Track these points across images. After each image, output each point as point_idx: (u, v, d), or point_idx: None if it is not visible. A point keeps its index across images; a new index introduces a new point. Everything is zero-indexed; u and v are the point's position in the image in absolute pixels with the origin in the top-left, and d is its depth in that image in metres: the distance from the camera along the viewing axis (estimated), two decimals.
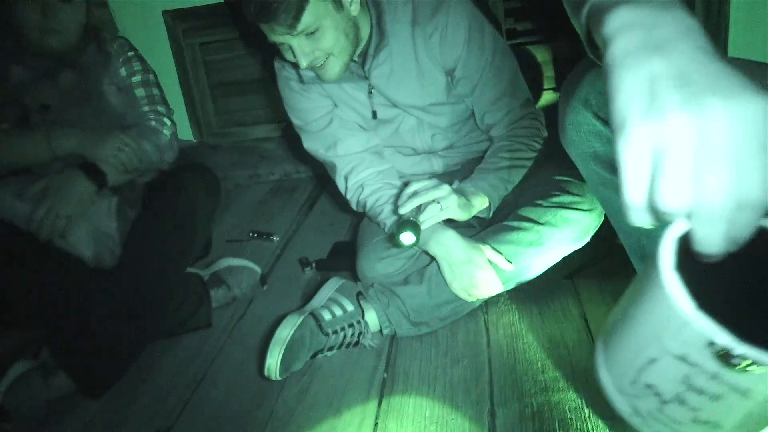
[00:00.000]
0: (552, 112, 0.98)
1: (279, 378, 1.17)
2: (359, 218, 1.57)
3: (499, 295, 1.31)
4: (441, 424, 1.04)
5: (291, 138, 2.31)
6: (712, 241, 0.42)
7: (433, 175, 1.50)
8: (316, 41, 1.20)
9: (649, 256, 0.44)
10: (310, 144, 1.49)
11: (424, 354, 1.23)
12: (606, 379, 0.48)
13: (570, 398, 1.04)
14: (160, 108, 1.60)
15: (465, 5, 1.31)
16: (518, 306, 1.34)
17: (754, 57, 0.78)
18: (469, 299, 1.26)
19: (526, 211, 1.30)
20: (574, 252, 1.31)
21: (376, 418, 1.08)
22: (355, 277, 1.40)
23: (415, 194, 1.24)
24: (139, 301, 1.29)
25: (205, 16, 2.15)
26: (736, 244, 0.42)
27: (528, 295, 1.36)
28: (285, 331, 1.18)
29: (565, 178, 1.35)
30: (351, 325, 1.24)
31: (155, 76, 1.62)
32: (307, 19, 1.16)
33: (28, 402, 1.16)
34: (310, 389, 1.18)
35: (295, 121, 1.48)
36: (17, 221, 1.30)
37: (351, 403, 1.13)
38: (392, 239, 1.33)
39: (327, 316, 1.23)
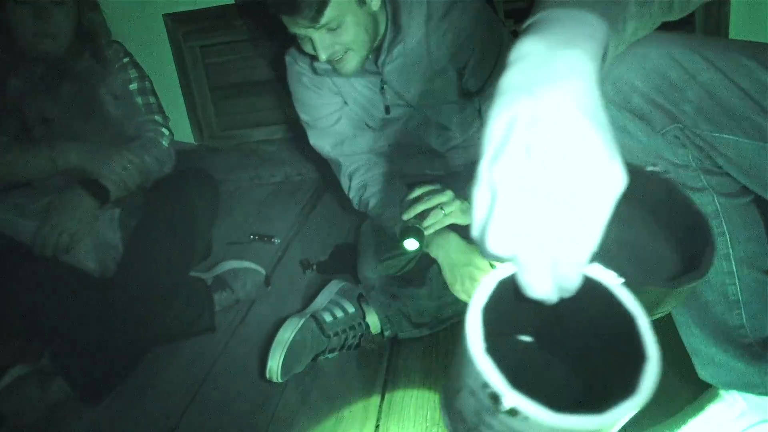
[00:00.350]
0: None
1: (281, 380, 1.17)
2: (360, 220, 1.57)
3: None
4: (442, 426, 1.04)
5: (292, 140, 2.32)
6: (536, 290, 0.41)
7: (435, 176, 1.49)
8: (337, 35, 1.20)
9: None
10: (316, 140, 1.48)
11: (425, 355, 1.23)
12: (441, 396, 0.50)
13: None
14: (157, 117, 1.59)
15: (478, 4, 1.32)
16: None
17: None
18: (470, 301, 1.26)
19: None
20: None
21: (378, 420, 1.08)
22: (356, 280, 1.40)
23: (418, 199, 1.24)
24: (139, 307, 1.29)
25: (205, 19, 2.16)
26: (565, 294, 0.42)
27: None
28: (286, 334, 1.19)
29: None
30: (352, 327, 1.24)
31: (151, 82, 1.61)
32: (330, 13, 1.16)
33: (23, 407, 1.16)
34: (311, 391, 1.18)
35: (304, 116, 1.48)
36: (21, 237, 1.31)
37: (352, 404, 1.13)
38: (395, 243, 1.33)
39: (328, 318, 1.24)
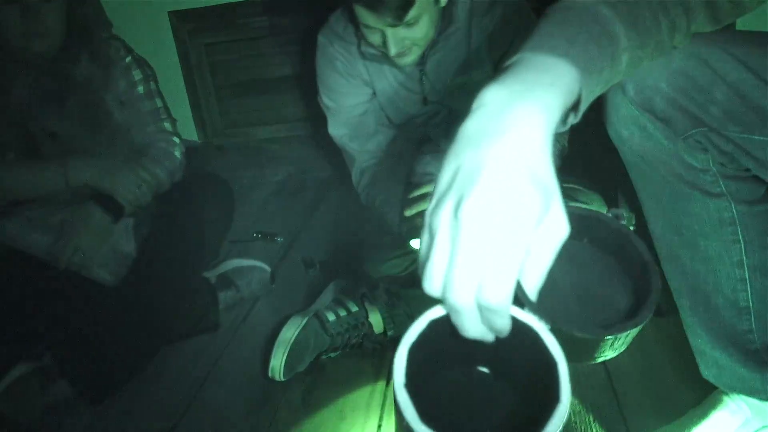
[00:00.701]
0: None
1: (283, 379, 1.17)
2: (364, 219, 1.56)
3: None
4: None
5: (296, 139, 2.32)
6: (466, 331, 0.44)
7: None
8: (410, 31, 1.20)
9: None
10: (336, 129, 1.47)
11: None
12: None
13: (574, 402, 1.04)
14: (167, 125, 1.54)
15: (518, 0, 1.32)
16: None
17: None
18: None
19: None
20: None
21: (380, 419, 1.07)
22: (359, 279, 1.40)
23: (422, 197, 1.24)
24: (148, 313, 1.29)
25: (211, 16, 2.16)
26: (500, 334, 0.44)
27: None
28: (289, 332, 1.18)
29: (573, 186, 1.35)
30: (355, 327, 1.24)
31: (156, 81, 1.56)
32: (413, 12, 1.15)
33: (23, 407, 1.15)
34: (314, 390, 1.18)
35: (327, 102, 1.45)
36: (33, 251, 1.29)
37: (355, 404, 1.12)
38: (400, 243, 1.32)
39: (331, 317, 1.23)
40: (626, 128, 0.77)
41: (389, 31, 1.19)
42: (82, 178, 1.33)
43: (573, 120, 0.53)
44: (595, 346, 0.49)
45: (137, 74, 1.50)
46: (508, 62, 0.51)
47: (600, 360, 0.53)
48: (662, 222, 0.82)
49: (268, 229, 1.93)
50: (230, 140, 2.36)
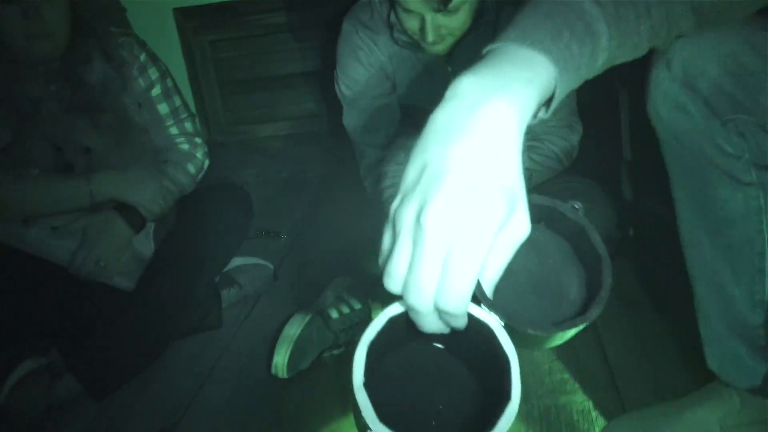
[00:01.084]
0: None
1: (286, 376, 1.17)
2: (368, 217, 1.56)
3: None
4: None
5: (300, 137, 2.32)
6: (424, 328, 0.44)
7: None
8: (450, 20, 1.19)
9: None
10: (351, 120, 1.44)
11: None
12: None
13: (577, 401, 1.04)
14: (188, 125, 1.51)
15: None
16: None
17: None
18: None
19: None
20: None
21: None
22: (362, 276, 1.40)
23: None
24: (154, 312, 1.29)
25: (215, 13, 2.16)
26: (456, 328, 0.44)
27: None
28: (293, 329, 1.19)
29: (577, 185, 1.35)
30: (358, 324, 1.24)
31: (171, 78, 1.51)
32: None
33: (29, 402, 1.16)
34: (316, 387, 1.18)
35: (345, 90, 1.43)
36: (54, 258, 1.29)
37: None
38: None
39: (334, 314, 1.24)
40: (665, 105, 0.75)
41: (429, 17, 1.18)
42: (107, 193, 1.31)
43: (543, 115, 0.53)
44: (545, 339, 0.50)
45: (153, 72, 1.45)
46: (488, 48, 0.50)
47: (548, 347, 0.55)
48: (689, 205, 0.82)
49: (272, 226, 1.93)
50: (234, 137, 2.36)
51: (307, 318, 1.21)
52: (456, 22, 1.21)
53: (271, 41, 2.20)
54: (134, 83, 1.42)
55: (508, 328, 0.47)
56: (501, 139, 0.43)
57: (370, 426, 0.42)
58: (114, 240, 1.30)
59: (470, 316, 0.45)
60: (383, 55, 1.37)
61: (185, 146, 1.50)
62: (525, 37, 0.49)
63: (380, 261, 0.45)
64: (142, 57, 1.43)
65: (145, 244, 1.36)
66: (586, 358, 1.15)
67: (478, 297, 0.46)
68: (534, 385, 1.09)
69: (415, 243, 0.41)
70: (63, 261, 1.29)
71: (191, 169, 1.48)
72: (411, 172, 0.44)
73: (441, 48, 1.28)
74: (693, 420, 0.89)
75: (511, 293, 0.51)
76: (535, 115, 0.51)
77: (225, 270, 1.53)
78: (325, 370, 1.22)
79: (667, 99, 0.75)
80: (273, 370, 1.17)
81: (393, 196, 0.44)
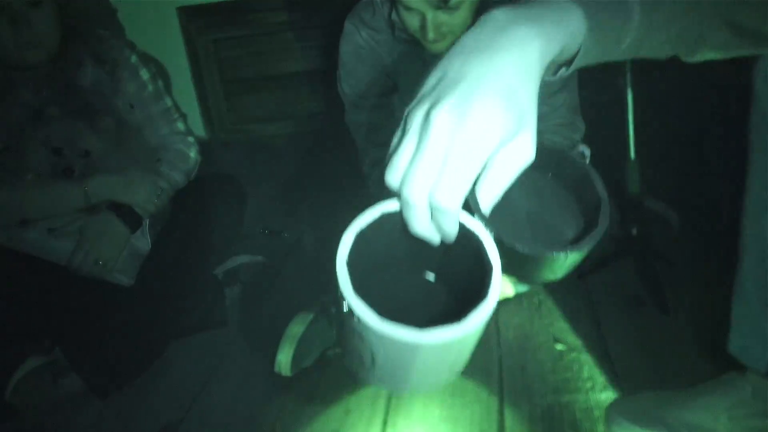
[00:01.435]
0: None
1: (290, 374, 1.17)
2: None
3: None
4: (450, 422, 1.04)
5: (303, 135, 2.32)
6: (415, 227, 0.46)
7: None
8: (451, 17, 1.20)
9: None
10: (354, 119, 1.45)
11: None
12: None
13: (580, 400, 1.04)
14: (180, 125, 1.52)
15: None
16: (529, 307, 1.33)
17: None
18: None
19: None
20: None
21: (386, 415, 1.08)
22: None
23: None
24: (158, 310, 1.30)
25: (219, 12, 2.16)
26: (446, 238, 0.46)
27: (539, 295, 1.35)
28: (296, 328, 1.19)
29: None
30: None
31: (162, 79, 1.53)
32: None
33: (34, 401, 1.16)
34: (319, 385, 1.18)
35: (347, 89, 1.44)
36: (52, 258, 1.30)
37: (360, 400, 1.13)
38: None
39: None
40: None
41: (430, 15, 1.18)
42: (102, 195, 1.32)
43: (564, 72, 0.54)
44: (534, 263, 0.50)
45: (144, 74, 1.46)
46: None
47: (538, 281, 0.57)
48: (763, 178, 0.81)
49: (275, 224, 1.93)
50: (237, 136, 2.36)
51: (311, 316, 1.21)
52: (457, 19, 1.21)
53: (275, 40, 2.20)
54: (126, 85, 1.43)
55: (498, 243, 0.47)
56: (522, 61, 0.44)
57: (347, 297, 0.44)
58: (112, 239, 1.30)
59: (461, 226, 0.46)
60: (385, 54, 1.37)
61: (179, 145, 1.51)
62: None
63: (386, 160, 0.46)
64: (133, 59, 1.44)
65: (141, 239, 1.37)
66: (588, 357, 1.15)
67: (472, 209, 0.47)
68: (537, 385, 1.09)
69: (421, 138, 0.43)
70: (61, 261, 1.29)
71: (185, 167, 1.49)
72: (430, 80, 0.46)
73: (442, 46, 1.28)
74: (701, 405, 0.89)
75: (507, 224, 0.52)
76: (555, 71, 0.53)
77: (229, 268, 1.53)
78: (329, 368, 1.23)
79: None
80: (276, 368, 1.17)
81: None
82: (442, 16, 1.19)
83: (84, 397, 1.20)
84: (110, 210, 1.32)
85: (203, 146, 1.57)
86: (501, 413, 1.04)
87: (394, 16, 1.29)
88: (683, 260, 1.40)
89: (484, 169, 0.45)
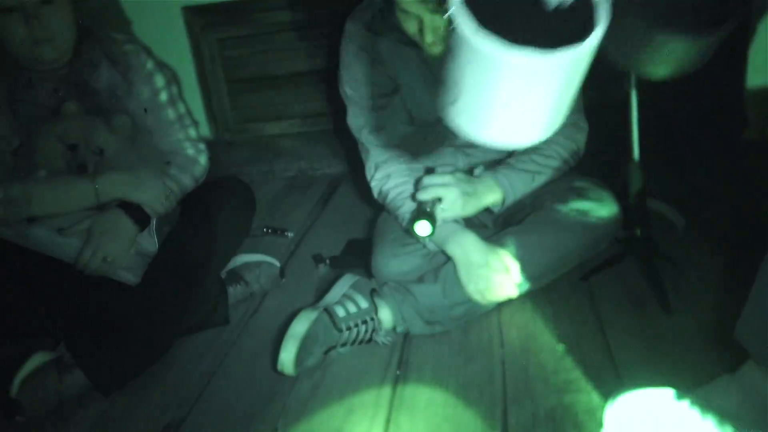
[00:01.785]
0: None
1: (292, 373, 1.17)
2: (374, 215, 1.57)
3: None
4: (453, 422, 1.04)
5: (307, 135, 2.32)
6: None
7: (456, 170, 1.47)
8: (448, 20, 1.20)
9: None
10: (355, 120, 1.45)
11: (437, 352, 1.23)
12: None
13: (583, 401, 1.04)
14: (191, 131, 1.54)
15: None
16: (532, 307, 1.33)
17: None
18: (483, 302, 1.26)
19: (545, 216, 1.29)
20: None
21: (389, 414, 1.08)
22: (369, 275, 1.40)
23: (424, 187, 1.25)
24: (162, 308, 1.30)
25: (224, 11, 2.17)
26: None
27: (542, 296, 1.35)
28: (299, 327, 1.19)
29: (585, 184, 1.35)
30: (365, 322, 1.25)
31: (177, 84, 1.54)
32: None
33: (40, 397, 1.17)
34: (322, 384, 1.18)
35: (349, 91, 1.44)
36: (59, 255, 1.30)
37: (363, 399, 1.13)
38: (409, 231, 1.33)
39: (341, 312, 1.24)
40: None
41: (428, 18, 1.18)
42: (112, 194, 1.33)
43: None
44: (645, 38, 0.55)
45: (159, 80, 1.48)
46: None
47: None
48: None
49: (279, 224, 1.94)
50: (241, 135, 2.37)
51: (314, 315, 1.21)
52: None
53: (280, 39, 2.20)
54: (141, 89, 1.44)
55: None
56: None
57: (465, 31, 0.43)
58: (120, 237, 1.30)
59: None
60: (386, 55, 1.38)
61: (190, 151, 1.52)
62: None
63: None
64: (149, 64, 1.46)
65: (149, 239, 1.37)
66: (591, 357, 1.15)
67: None
68: (540, 385, 1.09)
69: None
70: (69, 258, 1.30)
71: (195, 172, 1.51)
72: None
73: (440, 49, 1.28)
74: (749, 385, 0.88)
75: None
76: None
77: (232, 267, 1.54)
78: (332, 367, 1.23)
79: None
80: (279, 367, 1.18)
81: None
82: (440, 20, 1.20)
83: (88, 395, 1.21)
84: (119, 208, 1.32)
85: (207, 146, 1.58)
86: (504, 413, 1.04)
87: (393, 18, 1.29)
88: (687, 261, 1.40)
89: None
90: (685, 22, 0.49)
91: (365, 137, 1.43)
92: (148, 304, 1.28)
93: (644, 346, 1.16)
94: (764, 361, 0.85)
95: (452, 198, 1.27)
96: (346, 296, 1.29)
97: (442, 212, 1.26)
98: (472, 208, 1.32)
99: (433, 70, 1.37)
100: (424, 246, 1.33)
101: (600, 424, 0.98)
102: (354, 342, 1.25)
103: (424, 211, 1.22)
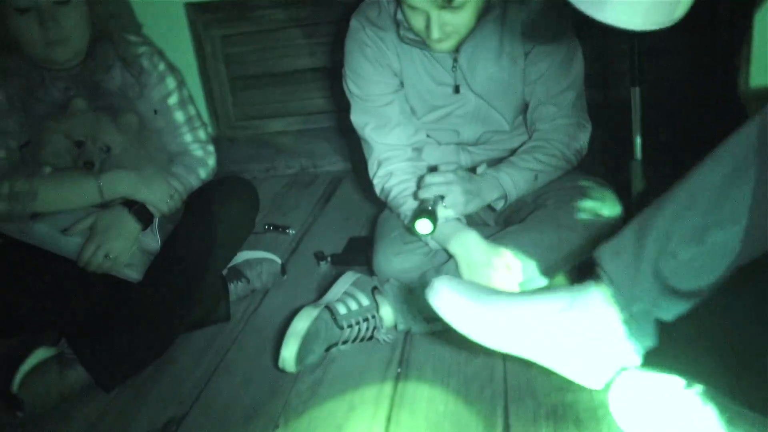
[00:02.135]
0: None
1: (294, 370, 1.18)
2: (376, 213, 1.57)
3: None
4: (454, 419, 1.04)
5: (309, 132, 2.32)
6: None
7: (459, 168, 1.46)
8: (455, 16, 1.20)
9: None
10: (359, 117, 1.45)
11: (438, 350, 1.23)
12: None
13: (584, 399, 1.04)
14: (201, 133, 1.54)
15: None
16: None
17: None
18: None
19: (547, 215, 1.29)
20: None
21: (389, 411, 1.08)
22: (370, 272, 1.40)
23: (426, 185, 1.25)
24: (164, 305, 1.30)
25: (226, 8, 2.17)
26: None
27: None
28: (301, 324, 1.19)
29: (587, 183, 1.35)
30: (366, 320, 1.25)
31: (187, 88, 1.55)
32: None
33: (42, 393, 1.16)
34: (323, 382, 1.18)
35: (353, 87, 1.44)
36: (65, 254, 1.31)
37: (364, 396, 1.13)
38: (410, 229, 1.33)
39: (342, 309, 1.24)
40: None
41: (434, 14, 1.18)
42: (117, 192, 1.34)
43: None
44: None
45: (171, 82, 1.49)
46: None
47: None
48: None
49: (280, 221, 1.94)
50: (243, 132, 2.37)
51: (315, 313, 1.21)
52: (461, 19, 1.21)
53: (282, 37, 2.20)
54: (152, 91, 1.46)
55: None
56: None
57: None
58: (122, 234, 1.31)
59: None
60: (390, 52, 1.38)
61: (199, 152, 1.54)
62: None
63: None
64: (161, 66, 1.47)
65: (151, 238, 1.38)
66: None
67: None
68: (541, 383, 1.09)
69: None
70: (72, 255, 1.30)
71: (202, 174, 1.52)
72: None
73: (446, 46, 1.28)
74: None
75: None
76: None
77: (233, 264, 1.54)
78: (333, 365, 1.23)
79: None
80: (280, 365, 1.18)
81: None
82: (447, 16, 1.20)
83: (89, 391, 1.21)
84: (123, 205, 1.33)
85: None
86: (505, 411, 1.04)
87: (399, 14, 1.29)
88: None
89: None
90: None
91: (368, 134, 1.43)
92: (150, 301, 1.28)
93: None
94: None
95: (454, 196, 1.27)
96: (348, 294, 1.29)
97: (444, 210, 1.26)
98: (474, 206, 1.32)
99: (438, 67, 1.37)
100: (426, 244, 1.33)
101: (601, 422, 0.98)
102: (355, 339, 1.25)
103: (426, 210, 1.22)
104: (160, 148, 1.48)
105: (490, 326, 0.92)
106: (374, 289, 1.29)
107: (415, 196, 1.33)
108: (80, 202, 1.33)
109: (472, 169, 1.42)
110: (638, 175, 1.39)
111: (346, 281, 1.34)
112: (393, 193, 1.40)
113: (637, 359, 0.91)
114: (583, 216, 1.27)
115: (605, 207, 1.30)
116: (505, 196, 1.34)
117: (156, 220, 1.39)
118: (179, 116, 1.51)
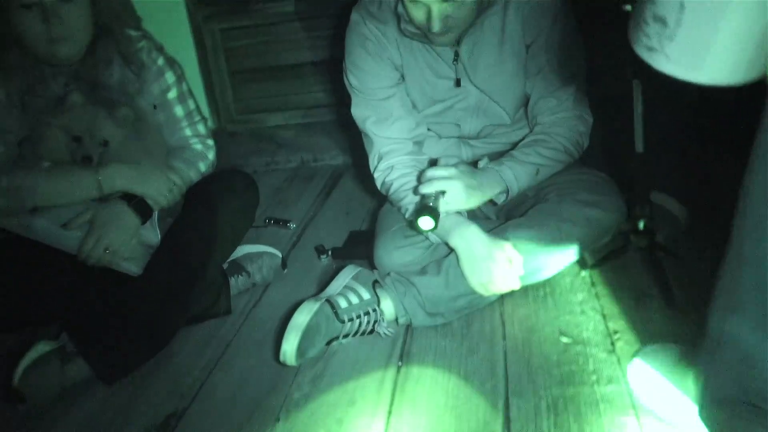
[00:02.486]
0: None
1: (294, 363, 1.17)
2: (376, 207, 1.56)
3: None
4: (455, 413, 1.04)
5: (309, 126, 2.32)
6: None
7: (460, 162, 1.46)
8: (456, 9, 1.19)
9: None
10: (360, 111, 1.44)
11: (439, 344, 1.23)
12: None
13: (585, 393, 1.04)
14: (200, 127, 1.55)
15: None
16: (534, 299, 1.33)
17: None
18: (486, 294, 1.26)
19: (548, 209, 1.29)
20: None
21: (390, 405, 1.08)
22: (371, 266, 1.40)
23: (428, 180, 1.25)
24: (165, 299, 1.30)
25: (226, 2, 2.16)
26: None
27: (545, 288, 1.35)
28: (301, 317, 1.19)
29: (588, 176, 1.34)
30: (367, 313, 1.25)
31: (187, 82, 1.55)
32: None
33: (43, 386, 1.17)
34: (324, 375, 1.18)
35: (354, 81, 1.43)
36: (65, 248, 1.31)
37: (365, 390, 1.13)
38: (411, 224, 1.32)
39: (343, 303, 1.24)
40: None
41: (435, 7, 1.18)
42: (116, 186, 1.34)
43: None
44: None
45: (170, 77, 1.49)
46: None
47: None
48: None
49: (281, 215, 1.94)
50: (243, 126, 2.37)
51: (316, 306, 1.21)
52: (462, 12, 1.20)
53: (282, 30, 2.20)
54: (151, 86, 1.46)
55: None
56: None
57: None
58: (122, 228, 1.31)
59: None
60: (391, 45, 1.37)
61: (198, 146, 1.54)
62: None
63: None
64: (160, 61, 1.47)
65: (151, 231, 1.38)
66: (594, 350, 1.15)
67: None
68: (542, 377, 1.09)
69: None
70: (71, 249, 1.30)
71: (202, 167, 1.52)
72: None
73: (447, 39, 1.27)
74: None
75: None
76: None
77: (234, 258, 1.54)
78: (333, 358, 1.23)
79: None
80: (281, 358, 1.18)
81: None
82: (448, 9, 1.19)
83: (90, 384, 1.21)
84: (122, 199, 1.33)
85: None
86: (506, 405, 1.04)
87: (400, 8, 1.28)
88: (690, 254, 1.40)
89: None
90: None
91: (369, 128, 1.42)
92: (151, 295, 1.28)
93: (646, 338, 1.16)
94: None
95: (456, 191, 1.27)
96: (348, 287, 1.29)
97: (446, 205, 1.26)
98: (475, 200, 1.32)
99: (439, 60, 1.37)
100: (427, 238, 1.33)
101: (601, 416, 0.98)
102: (356, 333, 1.25)
103: (427, 205, 1.22)
104: (160, 142, 1.49)
105: None
106: (375, 282, 1.29)
107: (415, 190, 1.33)
108: (79, 196, 1.33)
109: (474, 163, 1.41)
110: (640, 168, 1.38)
111: (346, 275, 1.33)
112: (394, 187, 1.40)
113: None
114: (584, 209, 1.27)
115: (607, 200, 1.29)
116: (506, 190, 1.33)
117: (155, 214, 1.39)
118: (179, 110, 1.51)
